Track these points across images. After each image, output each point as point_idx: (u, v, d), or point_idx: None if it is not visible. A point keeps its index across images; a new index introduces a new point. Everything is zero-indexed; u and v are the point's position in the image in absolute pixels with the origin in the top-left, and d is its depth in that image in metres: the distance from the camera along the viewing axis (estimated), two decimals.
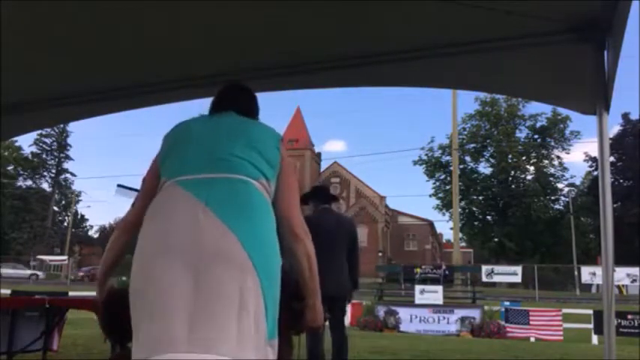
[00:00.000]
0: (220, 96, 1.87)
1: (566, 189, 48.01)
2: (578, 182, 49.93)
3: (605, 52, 2.84)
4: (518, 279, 20.26)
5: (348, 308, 15.20)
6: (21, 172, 55.40)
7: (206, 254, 1.38)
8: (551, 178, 48.74)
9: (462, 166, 45.16)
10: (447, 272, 18.41)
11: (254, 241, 1.43)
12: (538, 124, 47.84)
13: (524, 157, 48.70)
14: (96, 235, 66.45)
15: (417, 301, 15.14)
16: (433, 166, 49.64)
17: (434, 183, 50.15)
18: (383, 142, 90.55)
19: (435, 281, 16.99)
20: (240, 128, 1.67)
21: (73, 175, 59.31)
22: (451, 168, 33.27)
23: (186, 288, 1.36)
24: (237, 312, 1.35)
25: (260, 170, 1.57)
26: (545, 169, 48.64)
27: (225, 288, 1.36)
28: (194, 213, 1.43)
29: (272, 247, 1.49)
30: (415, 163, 50.12)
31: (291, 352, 3.84)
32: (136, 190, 1.78)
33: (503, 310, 14.32)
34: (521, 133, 49.11)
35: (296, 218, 1.61)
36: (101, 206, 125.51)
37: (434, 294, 15.23)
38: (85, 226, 65.64)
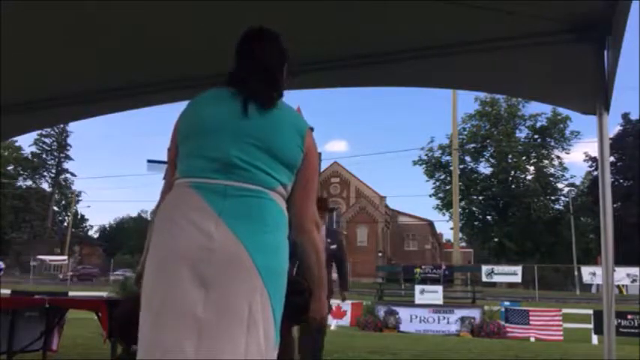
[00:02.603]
0: (240, 59, 1.67)
1: (566, 189, 48.12)
2: (578, 182, 50.06)
3: (605, 52, 2.84)
4: (518, 279, 20.22)
5: (349, 307, 15.27)
6: (21, 172, 55.41)
7: (216, 267, 1.38)
8: (551, 178, 48.76)
9: (462, 166, 45.20)
10: (447, 272, 18.43)
11: (264, 254, 1.43)
12: (538, 124, 47.88)
13: (524, 157, 48.68)
14: (96, 235, 66.62)
15: (417, 301, 15.13)
16: (433, 166, 49.64)
17: (434, 183, 50.23)
18: (383, 142, 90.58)
19: (435, 281, 17.00)
20: (263, 128, 1.54)
21: (73, 175, 59.48)
22: (451, 168, 33.29)
23: (196, 299, 1.36)
24: (246, 328, 1.36)
25: (277, 179, 1.53)
26: (545, 169, 48.64)
27: (234, 304, 1.37)
28: (208, 225, 1.42)
29: (280, 258, 1.49)
30: (415, 163, 50.20)
31: (294, 344, 3.86)
32: (164, 162, 1.74)
33: (503, 310, 14.32)
34: (521, 133, 49.23)
35: (307, 212, 1.60)
36: (101, 206, 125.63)
37: (434, 294, 15.22)
38: (85, 226, 65.81)
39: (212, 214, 1.43)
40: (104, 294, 11.38)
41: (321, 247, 1.62)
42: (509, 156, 48.07)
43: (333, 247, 4.93)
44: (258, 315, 1.38)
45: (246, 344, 1.35)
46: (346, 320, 15.20)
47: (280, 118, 1.59)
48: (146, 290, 1.45)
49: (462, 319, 14.13)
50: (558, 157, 48.39)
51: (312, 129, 1.66)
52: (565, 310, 14.18)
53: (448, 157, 46.06)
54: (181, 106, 1.71)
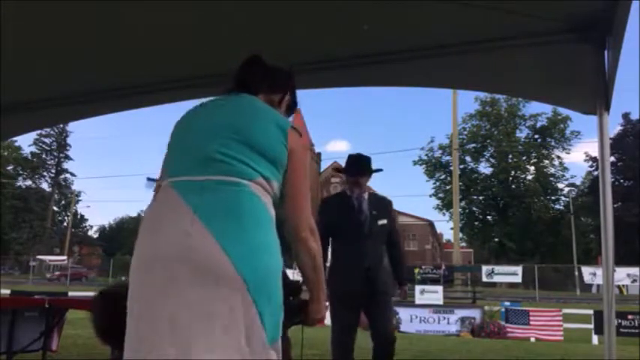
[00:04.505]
0: (236, 73, 1.78)
1: (567, 189, 48.06)
2: (578, 182, 49.93)
3: (606, 52, 2.84)
4: (518, 279, 20.28)
5: None
6: (21, 172, 55.39)
7: (193, 267, 1.36)
8: (552, 178, 48.71)
9: (462, 166, 45.14)
10: (446, 272, 18.46)
11: (244, 253, 1.39)
12: (538, 124, 47.83)
13: (524, 157, 48.63)
14: (96, 235, 66.61)
15: (417, 302, 15.15)
16: (433, 166, 49.60)
17: (434, 183, 50.16)
18: (383, 142, 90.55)
19: (435, 281, 17.03)
20: (241, 121, 1.55)
21: (72, 175, 59.34)
22: (451, 168, 33.30)
23: (173, 300, 1.36)
24: (224, 329, 1.34)
25: (257, 170, 1.50)
26: (545, 169, 48.60)
27: (211, 305, 1.34)
28: (183, 224, 1.40)
29: (265, 255, 1.44)
30: (415, 163, 50.11)
31: (290, 346, 3.84)
32: None
33: (503, 310, 14.32)
34: (522, 133, 49.13)
35: (300, 218, 1.57)
36: (101, 206, 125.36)
37: (434, 294, 15.25)
38: (85, 226, 65.73)
39: (188, 212, 1.41)
40: None
41: (319, 252, 1.60)
42: (510, 156, 48.02)
43: (383, 222, 3.71)
44: (239, 315, 1.35)
45: (225, 345, 1.33)
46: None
47: (258, 112, 1.61)
48: (129, 292, 1.46)
49: (462, 320, 14.14)
50: (558, 157, 48.39)
51: (295, 129, 1.61)
52: (565, 311, 14.16)
53: (448, 157, 46.05)
54: (181, 105, 1.73)
